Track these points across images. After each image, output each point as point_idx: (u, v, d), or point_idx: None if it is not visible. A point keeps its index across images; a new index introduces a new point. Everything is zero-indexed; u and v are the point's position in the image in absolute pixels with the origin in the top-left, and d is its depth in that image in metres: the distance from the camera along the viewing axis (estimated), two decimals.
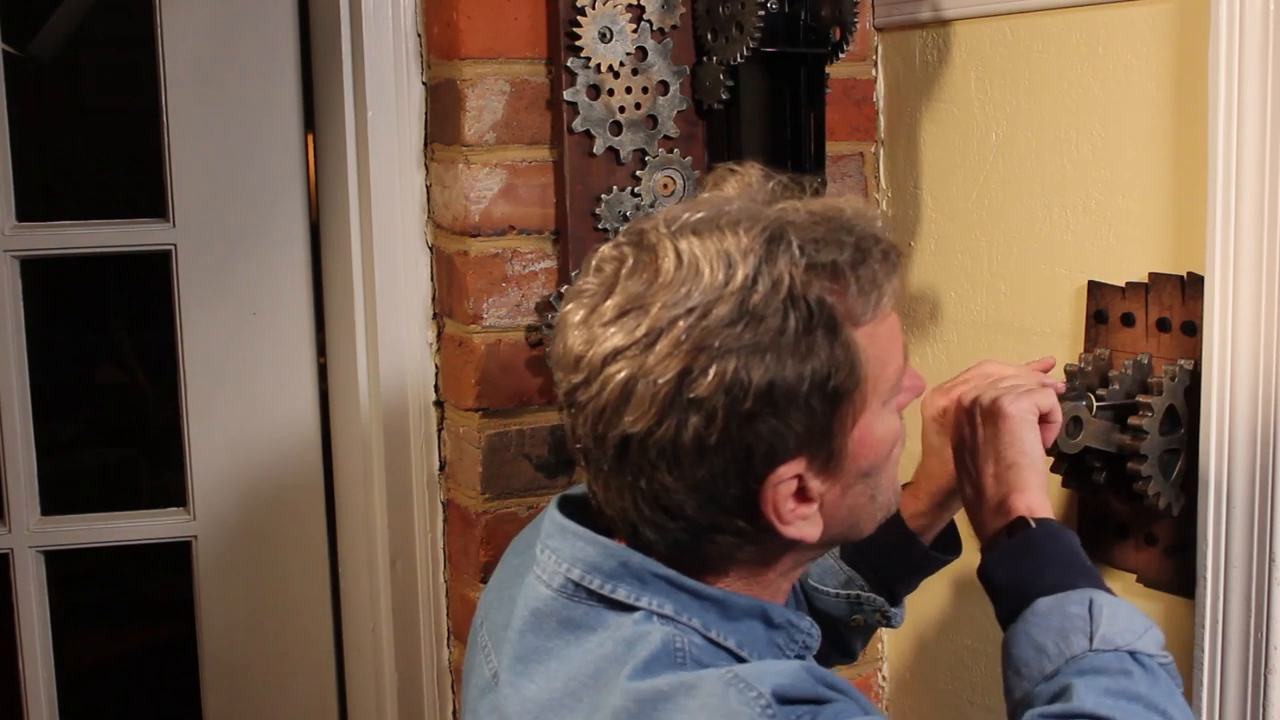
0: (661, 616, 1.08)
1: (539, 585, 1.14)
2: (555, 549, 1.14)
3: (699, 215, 1.07)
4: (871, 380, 1.08)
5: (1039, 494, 1.24)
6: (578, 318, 1.08)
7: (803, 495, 1.08)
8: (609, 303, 1.06)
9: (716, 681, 1.00)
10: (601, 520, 1.14)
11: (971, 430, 1.31)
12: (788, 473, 1.06)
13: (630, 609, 1.09)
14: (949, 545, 1.44)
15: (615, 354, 1.04)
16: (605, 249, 1.10)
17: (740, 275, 1.03)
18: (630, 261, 1.07)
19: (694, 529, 1.08)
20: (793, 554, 1.14)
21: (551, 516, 1.16)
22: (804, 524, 1.09)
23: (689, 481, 1.05)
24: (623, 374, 1.04)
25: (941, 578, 1.86)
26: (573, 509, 1.17)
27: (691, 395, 1.02)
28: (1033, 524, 1.21)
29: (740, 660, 1.08)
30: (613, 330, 1.05)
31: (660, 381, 1.03)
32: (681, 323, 1.03)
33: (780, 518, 1.07)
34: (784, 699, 0.99)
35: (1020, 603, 1.16)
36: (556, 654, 1.10)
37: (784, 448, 1.05)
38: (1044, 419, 1.32)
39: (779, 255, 1.03)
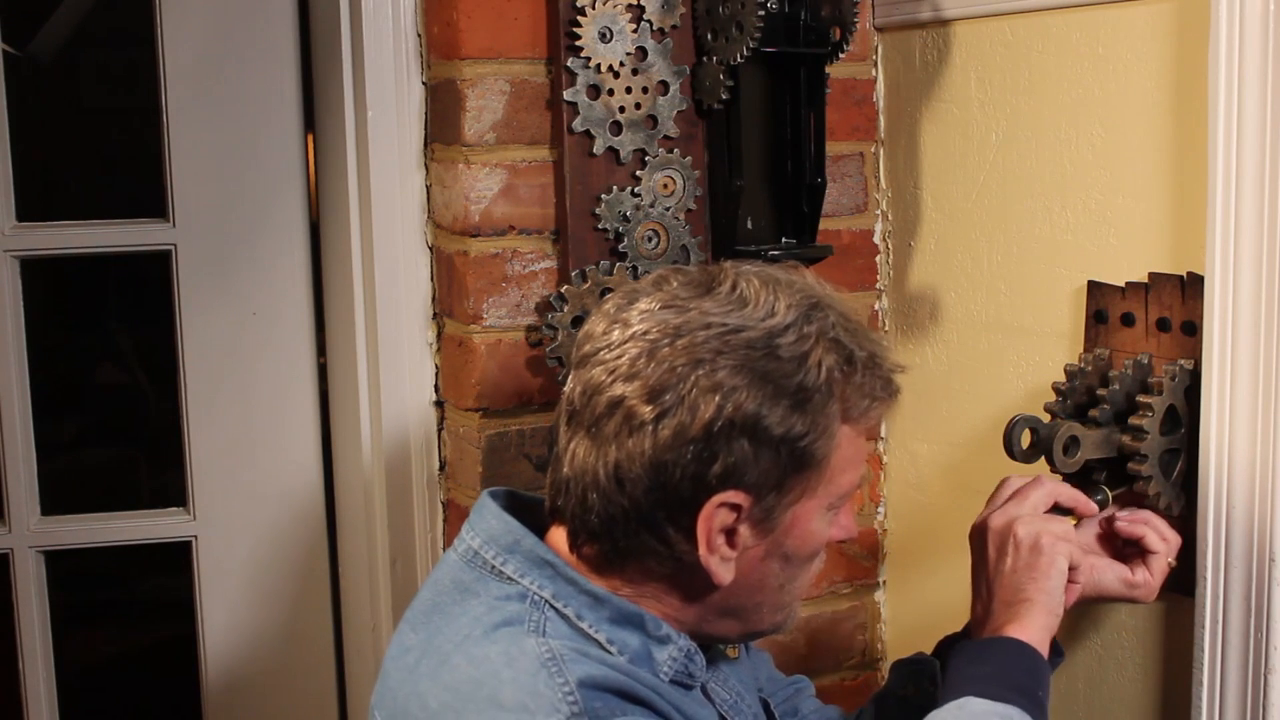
0: (539, 598, 1.16)
1: (450, 552, 1.24)
2: (471, 523, 1.24)
3: (768, 270, 1.19)
4: (830, 473, 1.17)
5: (1039, 634, 1.28)
6: (620, 302, 1.18)
7: (731, 539, 1.15)
8: (656, 295, 1.17)
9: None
10: (536, 517, 1.23)
11: (999, 555, 1.34)
12: (733, 499, 1.13)
13: (513, 583, 1.17)
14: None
15: (643, 334, 1.14)
16: (669, 268, 1.22)
17: (777, 319, 1.14)
18: (689, 277, 1.18)
19: (632, 514, 1.14)
20: (699, 604, 1.20)
21: (481, 500, 1.26)
22: (720, 563, 1.16)
23: (652, 459, 1.12)
24: (640, 350, 1.13)
25: (945, 582, 1.86)
26: (503, 498, 1.27)
27: (691, 390, 1.11)
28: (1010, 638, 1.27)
29: (609, 654, 1.15)
30: (648, 315, 1.15)
31: (669, 366, 1.12)
32: (712, 330, 1.13)
33: (707, 542, 1.14)
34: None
35: (959, 691, 1.22)
36: (443, 610, 1.19)
37: (740, 476, 1.13)
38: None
39: (815, 320, 1.15)
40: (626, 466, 1.13)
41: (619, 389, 1.13)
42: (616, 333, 1.15)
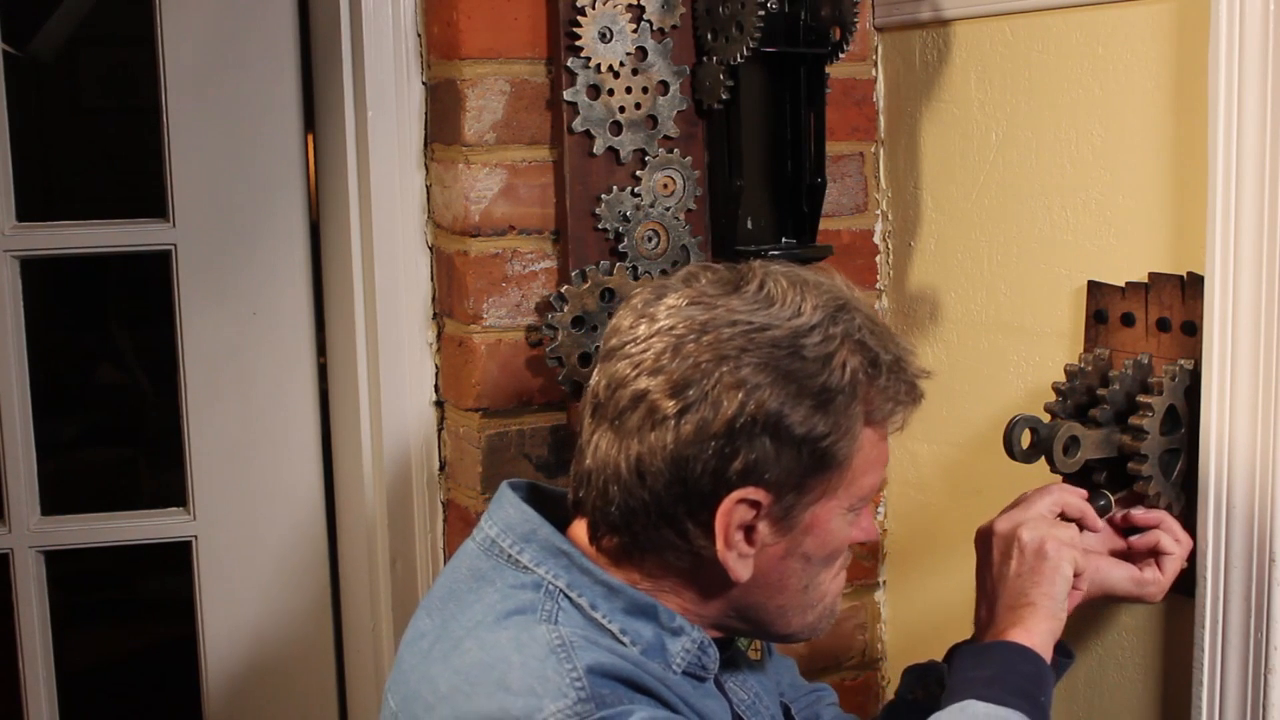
0: (553, 587, 1.16)
1: (469, 541, 1.25)
2: (490, 514, 1.24)
3: (796, 271, 1.20)
4: (851, 475, 1.18)
5: (1042, 638, 1.28)
6: (648, 297, 1.19)
7: (749, 536, 1.16)
8: (684, 292, 1.18)
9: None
10: (557, 509, 1.23)
11: (1003, 559, 1.34)
12: (753, 495, 1.14)
13: (529, 572, 1.18)
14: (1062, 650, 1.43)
15: (669, 329, 1.15)
16: (698, 265, 1.23)
17: (803, 320, 1.15)
18: (718, 275, 1.19)
19: (652, 507, 1.15)
20: (718, 601, 1.20)
21: (501, 489, 1.26)
22: (738, 559, 1.16)
23: (674, 453, 1.13)
24: (666, 345, 1.14)
25: (945, 582, 1.86)
26: (524, 489, 1.27)
27: (715, 386, 1.12)
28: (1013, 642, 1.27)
29: (622, 644, 1.15)
30: (675, 310, 1.16)
31: (693, 362, 1.12)
32: (738, 328, 1.14)
33: (725, 537, 1.15)
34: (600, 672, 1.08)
35: (961, 694, 1.22)
36: (458, 597, 1.19)
37: (760, 473, 1.13)
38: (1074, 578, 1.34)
39: (841, 321, 1.16)
40: (648, 460, 1.14)
41: (643, 383, 1.14)
42: (643, 327, 1.16)
